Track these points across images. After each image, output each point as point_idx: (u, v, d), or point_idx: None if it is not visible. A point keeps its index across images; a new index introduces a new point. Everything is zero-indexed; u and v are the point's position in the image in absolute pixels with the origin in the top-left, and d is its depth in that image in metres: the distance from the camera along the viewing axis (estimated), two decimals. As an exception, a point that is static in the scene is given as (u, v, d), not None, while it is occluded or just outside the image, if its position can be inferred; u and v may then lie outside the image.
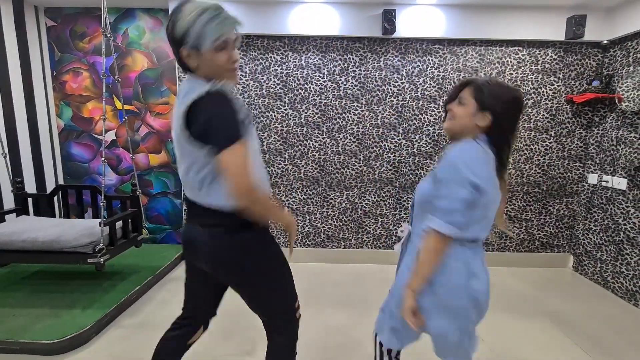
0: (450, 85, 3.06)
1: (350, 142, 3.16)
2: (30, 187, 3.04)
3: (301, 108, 3.12)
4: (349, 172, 3.20)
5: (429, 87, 3.07)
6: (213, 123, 0.92)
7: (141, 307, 2.41)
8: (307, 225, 3.29)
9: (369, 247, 3.31)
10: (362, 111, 3.12)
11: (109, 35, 2.18)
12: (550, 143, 3.12)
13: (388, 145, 3.15)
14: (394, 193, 3.22)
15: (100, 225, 2.15)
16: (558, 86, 3.04)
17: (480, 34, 2.94)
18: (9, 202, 2.72)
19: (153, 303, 2.47)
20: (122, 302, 2.31)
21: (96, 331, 2.06)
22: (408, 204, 3.23)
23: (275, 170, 3.20)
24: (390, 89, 3.08)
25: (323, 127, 3.14)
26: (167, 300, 2.53)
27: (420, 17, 2.90)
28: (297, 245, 3.32)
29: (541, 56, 3.01)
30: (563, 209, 3.21)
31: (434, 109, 3.10)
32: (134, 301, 2.45)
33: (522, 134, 3.11)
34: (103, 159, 2.20)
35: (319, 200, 3.25)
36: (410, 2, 2.85)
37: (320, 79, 3.07)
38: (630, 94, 2.54)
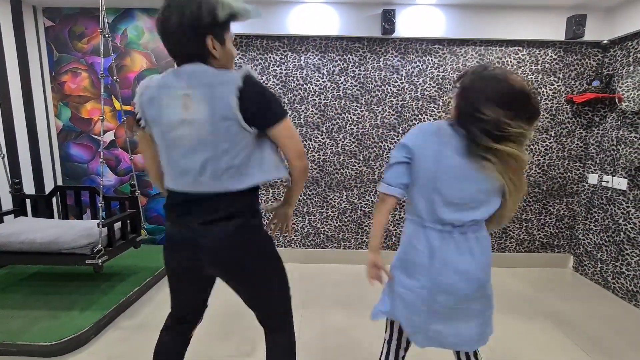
0: (450, 85, 3.05)
1: (349, 143, 3.15)
2: (29, 188, 3.03)
3: (300, 108, 3.11)
4: (349, 172, 3.19)
5: (429, 87, 3.07)
6: (267, 103, 1.03)
7: (140, 309, 2.40)
8: (306, 226, 3.28)
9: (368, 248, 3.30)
10: (361, 111, 3.11)
11: (107, 35, 2.17)
12: (550, 143, 3.11)
13: (388, 146, 3.15)
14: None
15: (98, 226, 2.14)
16: (558, 86, 3.04)
17: (480, 34, 2.93)
18: (7, 203, 2.70)
19: (152, 304, 2.46)
20: (120, 303, 2.30)
21: (95, 333, 2.05)
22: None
23: (274, 171, 3.19)
24: (390, 89, 3.07)
25: (322, 127, 3.13)
26: (166, 301, 2.48)
27: (420, 17, 2.89)
28: (297, 246, 3.31)
29: (541, 56, 3.00)
30: (563, 209, 3.21)
31: (434, 109, 3.09)
32: (132, 302, 2.44)
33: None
34: (101, 160, 2.19)
35: (318, 200, 3.24)
36: (410, 2, 2.84)
37: (319, 79, 3.06)
38: (631, 94, 2.54)
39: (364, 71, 3.05)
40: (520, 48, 3.00)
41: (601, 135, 2.95)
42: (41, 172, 3.16)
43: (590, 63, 3.00)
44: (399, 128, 3.12)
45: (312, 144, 3.15)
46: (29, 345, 1.85)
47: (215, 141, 1.00)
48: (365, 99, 3.09)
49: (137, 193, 2.58)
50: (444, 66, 3.04)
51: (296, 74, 3.06)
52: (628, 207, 2.65)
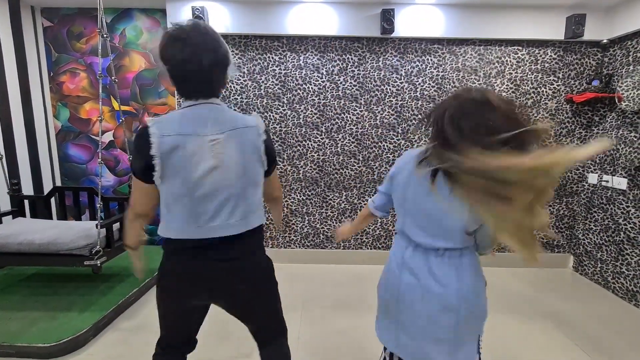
0: (450, 85, 3.05)
1: (349, 143, 3.14)
2: (28, 188, 3.02)
3: (300, 108, 3.10)
4: (348, 172, 3.18)
5: (428, 87, 3.06)
6: (274, 149, 1.17)
7: (139, 310, 2.39)
8: (306, 226, 3.27)
9: (368, 248, 3.30)
10: (361, 111, 3.10)
11: (105, 35, 2.17)
12: (550, 143, 3.10)
13: (387, 146, 3.14)
14: (393, 193, 3.20)
15: (97, 227, 2.13)
16: (558, 86, 3.03)
17: (480, 34, 2.92)
18: (5, 204, 2.69)
19: (151, 305, 2.45)
20: (119, 304, 2.29)
21: (93, 334, 2.04)
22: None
23: (273, 171, 3.18)
24: (389, 89, 3.07)
25: (322, 127, 3.12)
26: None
27: (419, 17, 2.88)
28: (296, 247, 3.30)
29: (541, 56, 3.00)
30: (563, 209, 3.20)
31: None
32: (131, 303, 2.43)
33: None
34: (100, 161, 2.18)
35: (318, 201, 3.23)
36: (409, 1, 2.83)
37: (318, 79, 3.05)
38: (630, 93, 2.53)
39: (363, 71, 3.05)
40: (520, 47, 2.99)
41: (601, 134, 2.95)
42: (40, 173, 3.15)
43: (589, 62, 3.00)
44: (398, 128, 3.12)
45: (311, 144, 3.15)
46: (27, 346, 1.84)
47: (244, 184, 1.05)
48: (364, 98, 3.08)
49: (135, 194, 2.57)
50: (443, 66, 3.03)
51: (295, 74, 3.05)
52: (628, 206, 2.65)
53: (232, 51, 2.98)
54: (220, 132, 1.00)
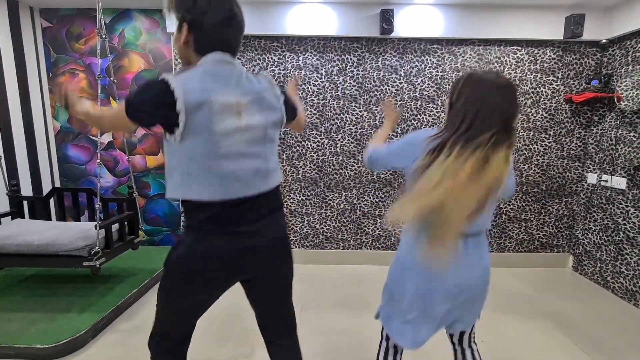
0: (449, 85, 3.05)
1: (348, 143, 3.14)
2: (26, 189, 3.01)
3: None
4: (348, 172, 3.18)
5: (428, 87, 3.06)
6: (290, 99, 1.21)
7: (138, 311, 2.39)
8: (305, 227, 3.27)
9: (368, 248, 3.30)
10: (360, 111, 3.10)
11: (104, 36, 2.16)
12: (549, 143, 3.11)
13: (386, 146, 3.14)
14: (393, 194, 3.21)
15: (96, 228, 2.13)
16: (557, 85, 3.04)
17: (479, 34, 2.92)
18: (4, 205, 2.69)
19: (150, 306, 2.45)
20: (118, 305, 2.28)
21: (92, 335, 2.04)
22: (407, 204, 3.21)
23: (273, 172, 3.18)
24: (389, 89, 3.07)
25: (321, 127, 3.12)
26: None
27: (418, 17, 2.88)
28: (296, 247, 3.30)
29: (540, 55, 3.00)
30: (562, 209, 3.20)
31: (432, 109, 3.09)
32: (130, 304, 2.43)
33: (520, 133, 3.10)
34: (99, 161, 2.18)
35: (317, 201, 3.23)
36: (408, 1, 2.83)
37: (318, 79, 3.05)
38: (629, 93, 2.53)
39: (362, 71, 3.05)
40: (519, 47, 2.99)
41: (600, 134, 2.95)
42: (38, 174, 3.15)
43: (589, 62, 3.00)
44: (397, 128, 3.12)
45: (310, 145, 3.15)
46: (26, 348, 1.83)
47: (265, 145, 1.06)
48: (363, 99, 3.08)
49: (134, 194, 2.57)
50: (442, 66, 3.03)
51: (294, 74, 3.05)
52: (627, 206, 2.65)
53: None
54: (243, 95, 1.00)
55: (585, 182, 3.10)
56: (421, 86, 3.06)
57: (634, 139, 2.58)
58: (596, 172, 2.97)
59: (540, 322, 2.32)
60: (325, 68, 3.04)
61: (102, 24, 2.12)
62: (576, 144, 3.10)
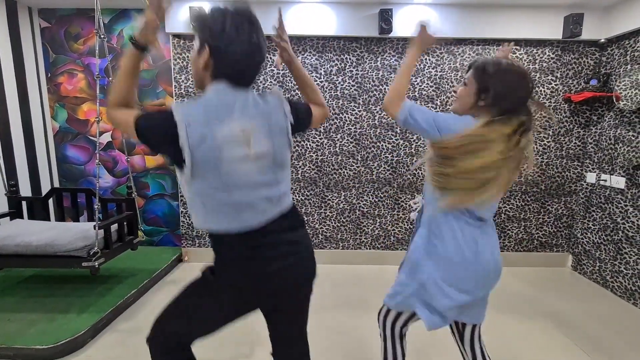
0: (448, 84, 3.05)
1: (347, 143, 3.14)
2: (25, 190, 3.01)
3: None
4: (347, 172, 3.18)
5: (427, 86, 3.06)
6: (301, 111, 1.16)
7: (137, 311, 2.38)
8: (305, 227, 3.26)
9: (367, 248, 3.30)
10: (359, 111, 3.10)
11: (102, 36, 2.16)
12: (548, 142, 3.11)
13: (386, 146, 3.14)
14: (392, 193, 3.21)
15: (95, 228, 2.12)
16: (556, 85, 3.04)
17: (478, 33, 2.92)
18: (2, 206, 2.68)
19: (149, 307, 2.45)
20: (117, 305, 2.28)
21: (91, 336, 2.04)
22: (406, 204, 3.22)
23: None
24: (388, 89, 3.06)
25: (320, 127, 3.12)
26: (164, 303, 2.50)
27: (417, 17, 2.88)
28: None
29: (538, 55, 3.00)
30: (561, 208, 3.21)
31: (432, 109, 3.08)
32: (130, 305, 2.43)
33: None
34: (97, 162, 2.18)
35: (316, 201, 3.23)
36: (407, 1, 2.83)
37: (317, 79, 3.05)
38: (628, 93, 2.54)
39: (361, 71, 3.04)
40: (518, 47, 3.00)
41: (599, 134, 2.95)
42: (37, 174, 3.14)
43: (587, 62, 3.00)
44: (396, 128, 3.12)
45: (309, 144, 3.14)
46: (25, 348, 1.83)
47: (276, 171, 1.03)
48: (362, 98, 3.08)
49: (134, 194, 2.56)
50: (441, 65, 3.03)
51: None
52: (626, 205, 2.65)
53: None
54: (249, 120, 0.96)
55: (584, 182, 3.10)
56: (420, 86, 3.06)
57: (633, 139, 2.59)
58: (595, 172, 2.97)
59: (540, 322, 2.33)
60: (324, 68, 3.04)
61: (100, 24, 2.12)
62: (575, 143, 3.11)
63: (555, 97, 3.05)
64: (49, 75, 3.18)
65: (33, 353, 1.83)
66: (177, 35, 2.99)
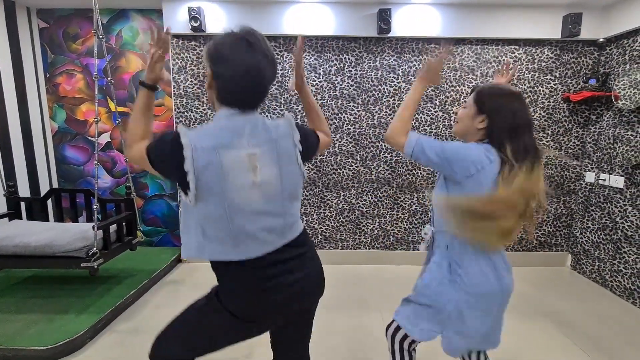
0: (447, 84, 3.05)
1: (346, 143, 3.14)
2: (24, 190, 3.00)
3: (297, 109, 3.10)
4: (346, 172, 3.18)
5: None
6: (310, 139, 1.12)
7: (137, 312, 2.38)
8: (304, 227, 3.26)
9: (366, 248, 3.30)
10: (358, 111, 3.10)
11: (101, 36, 2.16)
12: (547, 142, 3.11)
13: (385, 146, 3.14)
14: (391, 193, 3.21)
15: (94, 228, 2.12)
16: (554, 84, 3.04)
17: (476, 33, 2.93)
18: (1, 206, 2.68)
19: (149, 307, 2.45)
20: (117, 306, 2.28)
21: (90, 336, 2.04)
22: (405, 203, 3.22)
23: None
24: (387, 89, 3.07)
25: (319, 127, 3.11)
26: (163, 304, 2.50)
27: (416, 16, 2.88)
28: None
29: (537, 55, 3.00)
30: (561, 208, 3.21)
31: (431, 109, 3.09)
32: (129, 305, 2.43)
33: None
34: (96, 162, 2.18)
35: (315, 201, 3.23)
36: (406, 1, 2.83)
37: (315, 79, 3.05)
38: (627, 92, 2.54)
39: (360, 71, 3.04)
40: (517, 47, 3.00)
41: (598, 133, 2.96)
42: (36, 175, 3.14)
43: (586, 61, 3.00)
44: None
45: (309, 144, 3.14)
46: (24, 349, 1.83)
47: (283, 201, 1.00)
48: (361, 98, 3.08)
49: (133, 195, 2.56)
50: (440, 65, 3.03)
51: (292, 74, 3.04)
52: (625, 205, 2.65)
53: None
54: (257, 146, 0.94)
55: (584, 181, 3.10)
56: (419, 86, 3.05)
57: (632, 138, 2.59)
58: (594, 171, 2.97)
59: (539, 321, 2.33)
60: (323, 68, 3.04)
61: (99, 24, 2.11)
62: (574, 142, 3.11)
63: (554, 97, 3.05)
64: (48, 75, 3.17)
65: (32, 354, 1.83)
66: (175, 36, 2.99)
